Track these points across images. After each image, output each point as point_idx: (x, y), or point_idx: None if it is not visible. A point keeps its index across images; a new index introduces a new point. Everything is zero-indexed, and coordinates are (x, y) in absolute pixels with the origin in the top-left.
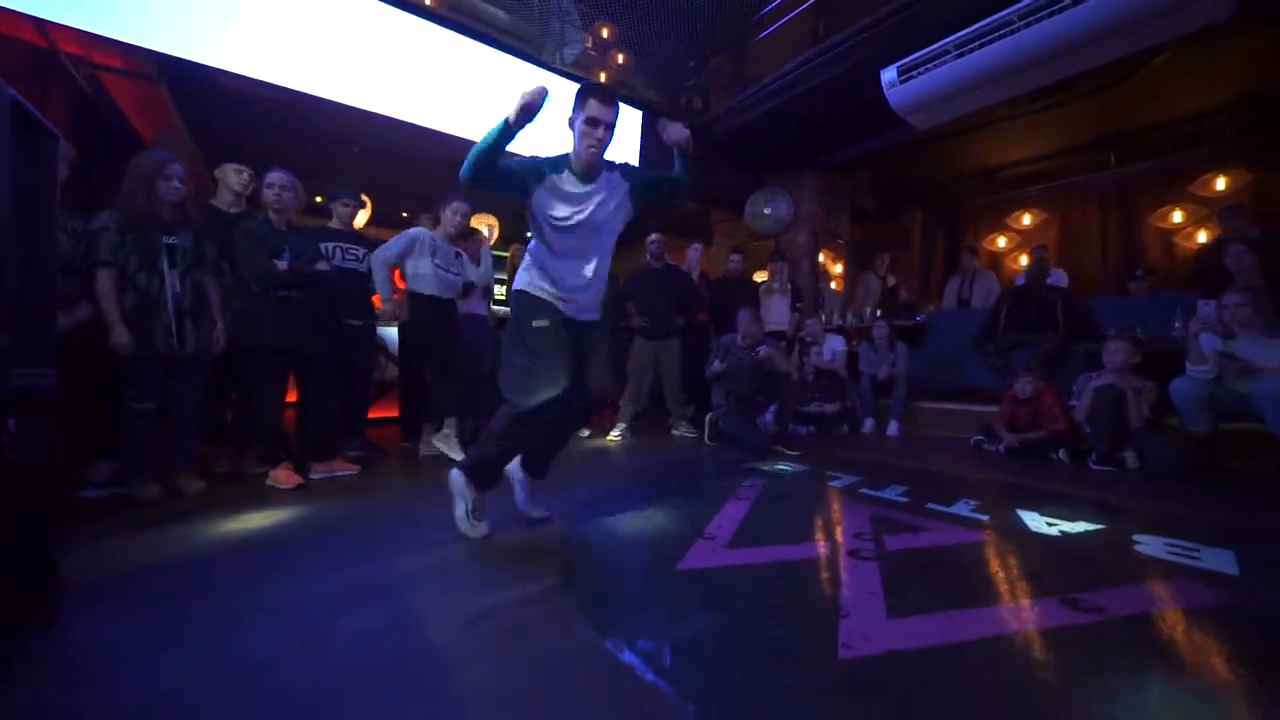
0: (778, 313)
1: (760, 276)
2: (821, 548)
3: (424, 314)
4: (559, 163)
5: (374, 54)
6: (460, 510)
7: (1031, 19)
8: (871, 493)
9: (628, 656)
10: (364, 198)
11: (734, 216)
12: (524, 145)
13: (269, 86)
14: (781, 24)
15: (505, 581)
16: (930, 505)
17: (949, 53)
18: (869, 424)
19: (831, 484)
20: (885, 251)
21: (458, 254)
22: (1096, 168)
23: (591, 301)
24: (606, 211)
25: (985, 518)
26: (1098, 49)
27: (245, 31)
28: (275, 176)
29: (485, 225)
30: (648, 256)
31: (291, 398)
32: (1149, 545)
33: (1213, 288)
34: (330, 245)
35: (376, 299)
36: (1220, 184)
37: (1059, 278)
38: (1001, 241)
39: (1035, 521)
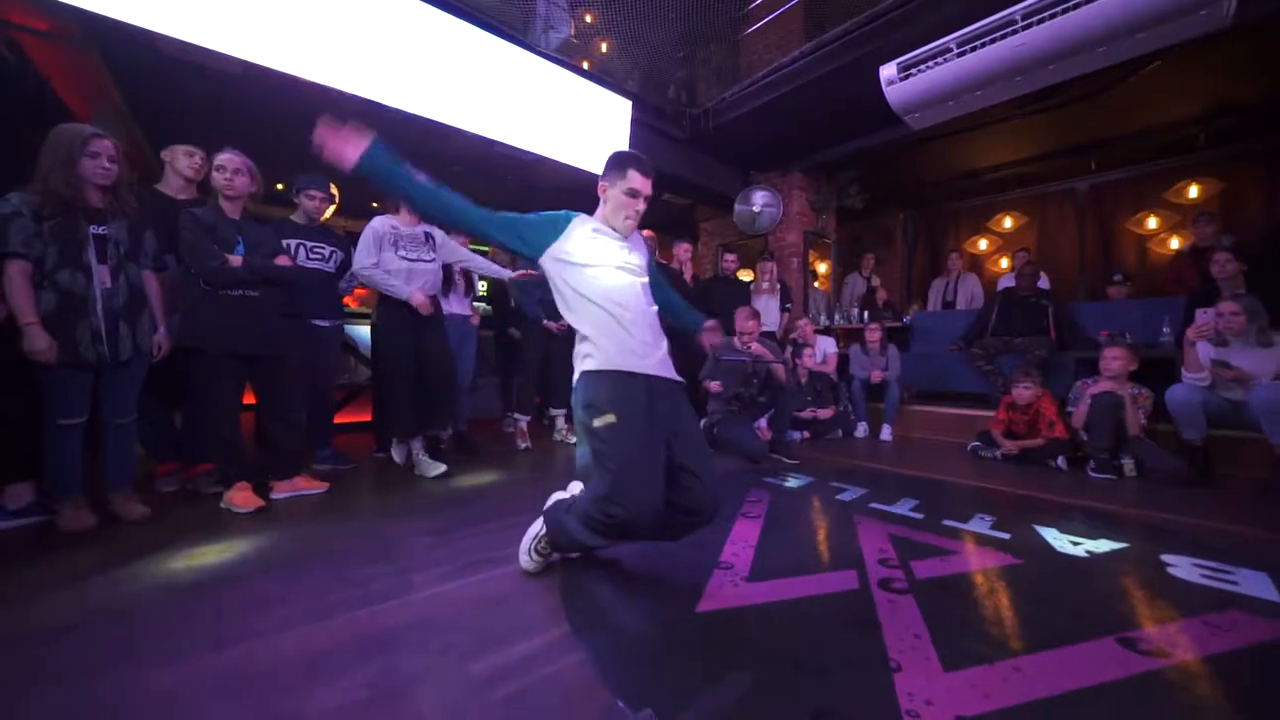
0: (767, 313)
1: (746, 276)
2: (849, 578)
3: (397, 314)
4: (580, 219)
5: (347, 29)
6: (528, 542)
7: (1034, 19)
8: (883, 508)
9: None
10: (334, 189)
11: (721, 214)
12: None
13: (224, 58)
14: (772, 18)
15: (506, 634)
16: (946, 522)
17: (950, 50)
18: (862, 428)
19: (839, 497)
20: (870, 252)
21: (428, 236)
22: (1076, 173)
23: (664, 358)
24: (643, 262)
25: (1006, 536)
26: (1101, 52)
27: None
28: (226, 158)
29: None
30: None
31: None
32: (1180, 568)
33: (1203, 295)
34: (293, 242)
35: (352, 300)
36: (1193, 191)
37: (1043, 282)
38: (983, 244)
39: (1058, 540)
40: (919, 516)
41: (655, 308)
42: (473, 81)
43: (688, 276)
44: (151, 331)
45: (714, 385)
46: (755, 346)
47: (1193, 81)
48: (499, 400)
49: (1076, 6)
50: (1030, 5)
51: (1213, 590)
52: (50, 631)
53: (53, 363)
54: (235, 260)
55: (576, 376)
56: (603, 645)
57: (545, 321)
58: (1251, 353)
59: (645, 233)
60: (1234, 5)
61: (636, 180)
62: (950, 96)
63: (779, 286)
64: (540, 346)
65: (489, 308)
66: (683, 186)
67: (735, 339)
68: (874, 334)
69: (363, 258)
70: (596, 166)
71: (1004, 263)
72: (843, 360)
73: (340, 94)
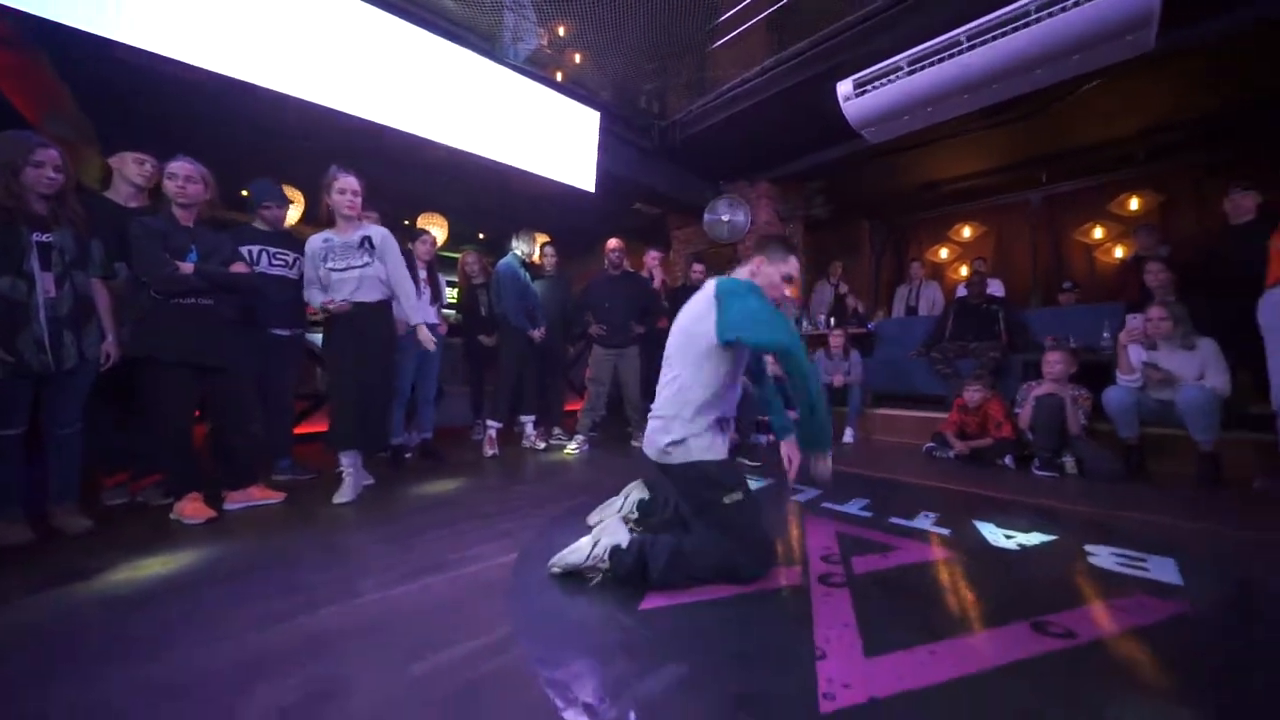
0: None
1: None
2: (794, 574)
3: (334, 324)
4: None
5: (308, 36)
6: (583, 554)
7: (979, 41)
8: (835, 507)
9: None
10: (289, 195)
11: (692, 223)
12: None
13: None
14: (737, 33)
15: (449, 636)
16: (892, 520)
17: (901, 69)
18: None
19: (796, 498)
20: (837, 260)
21: (364, 241)
22: (1029, 185)
23: None
24: None
25: (947, 532)
26: (1039, 73)
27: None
28: (178, 166)
29: (432, 226)
30: (606, 264)
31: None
32: (1100, 557)
33: (1139, 301)
34: (255, 248)
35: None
36: (1134, 204)
37: (995, 288)
38: (944, 253)
39: (993, 534)
40: (867, 515)
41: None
42: (444, 93)
43: (658, 283)
44: (99, 340)
45: None
46: None
47: (1131, 100)
48: (469, 408)
49: (1015, 30)
50: (974, 28)
51: (1125, 576)
52: None
53: None
54: (187, 267)
55: (701, 459)
56: (546, 642)
57: (530, 331)
58: (1177, 356)
59: (612, 241)
60: (1156, 32)
61: (795, 267)
62: (904, 112)
63: None
64: (517, 354)
65: (457, 314)
66: (653, 196)
67: None
68: (837, 339)
69: (307, 282)
70: (567, 176)
71: (963, 270)
72: None
73: (308, 105)
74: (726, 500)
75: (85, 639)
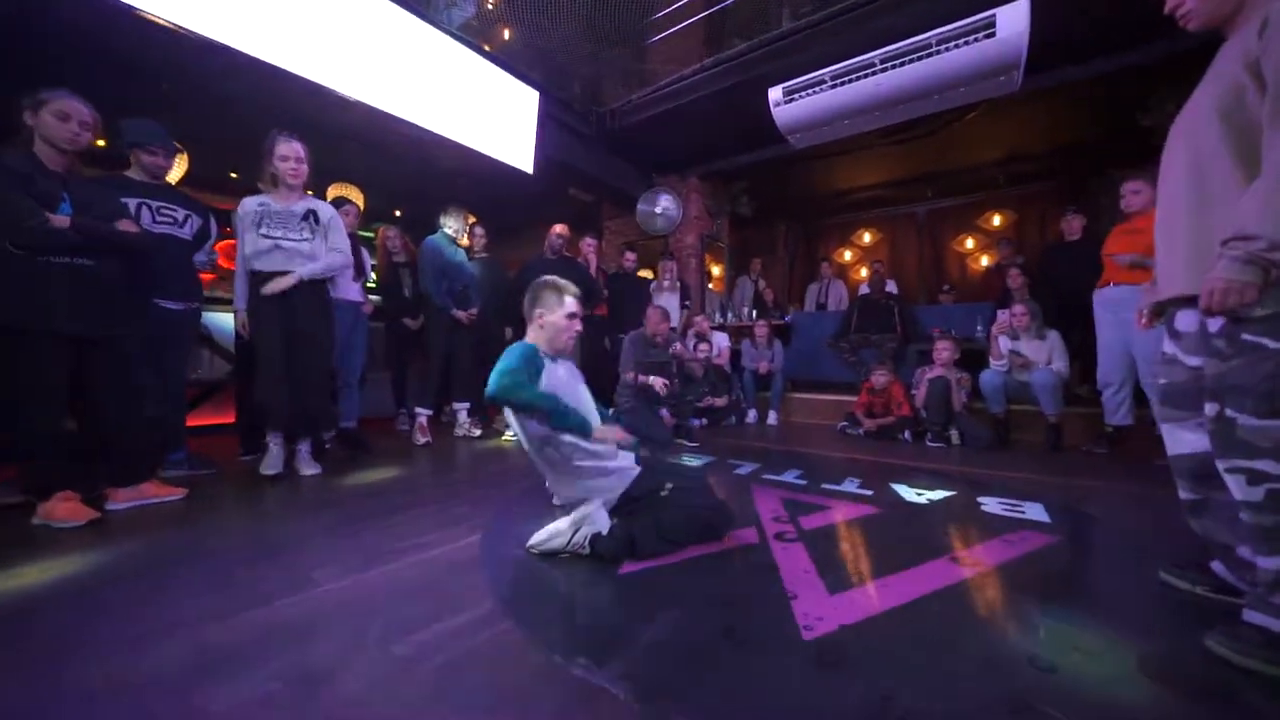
0: (668, 310)
1: (645, 274)
2: (750, 534)
3: (261, 296)
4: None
5: None
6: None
7: (890, 65)
8: (773, 477)
9: (592, 671)
10: (178, 147)
11: (625, 213)
12: None
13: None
14: (675, 30)
15: (426, 615)
16: (825, 485)
17: (825, 82)
18: (752, 414)
19: (736, 471)
20: (757, 257)
21: (309, 214)
22: (917, 199)
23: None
24: None
25: (870, 492)
26: (935, 99)
27: None
28: (72, 106)
29: (351, 196)
30: (546, 247)
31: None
32: (989, 505)
33: (1002, 300)
34: (133, 202)
35: (210, 274)
36: (996, 220)
37: (891, 286)
38: (848, 254)
39: (907, 493)
40: (803, 483)
41: None
42: (375, 53)
43: (593, 269)
44: None
45: (659, 382)
46: (677, 346)
47: (997, 133)
48: (391, 396)
49: (919, 59)
50: (886, 52)
51: (1009, 519)
52: None
53: None
54: (61, 220)
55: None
56: (535, 608)
57: (455, 311)
58: (1033, 344)
59: (559, 226)
60: (1021, 77)
61: (572, 304)
62: (825, 122)
63: (679, 285)
64: (444, 337)
65: (379, 297)
66: (588, 182)
67: (649, 335)
68: (761, 330)
69: (240, 246)
70: (504, 155)
71: (864, 271)
72: (734, 354)
73: (204, 43)
74: (663, 494)
75: None
